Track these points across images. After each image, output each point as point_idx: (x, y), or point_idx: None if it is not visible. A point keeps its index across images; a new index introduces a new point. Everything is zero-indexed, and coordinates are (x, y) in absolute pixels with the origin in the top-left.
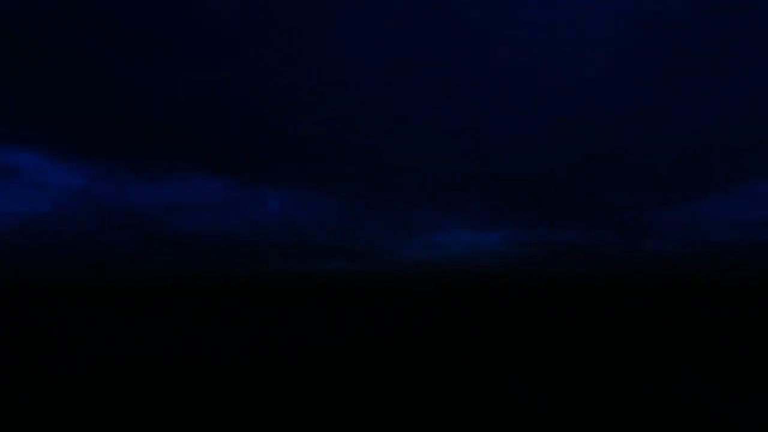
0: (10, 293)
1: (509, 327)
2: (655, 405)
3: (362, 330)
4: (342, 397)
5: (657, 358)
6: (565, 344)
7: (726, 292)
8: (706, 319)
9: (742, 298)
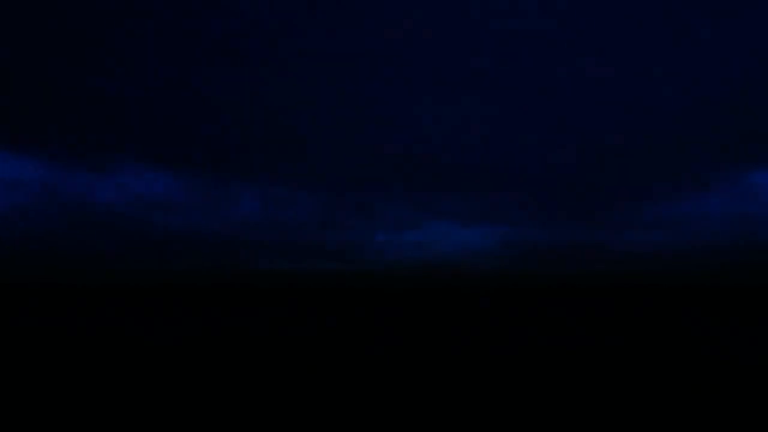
0: None
1: (501, 327)
2: (654, 407)
3: (346, 331)
4: (319, 398)
5: (651, 360)
6: (559, 346)
7: (722, 292)
8: (700, 319)
9: (737, 298)
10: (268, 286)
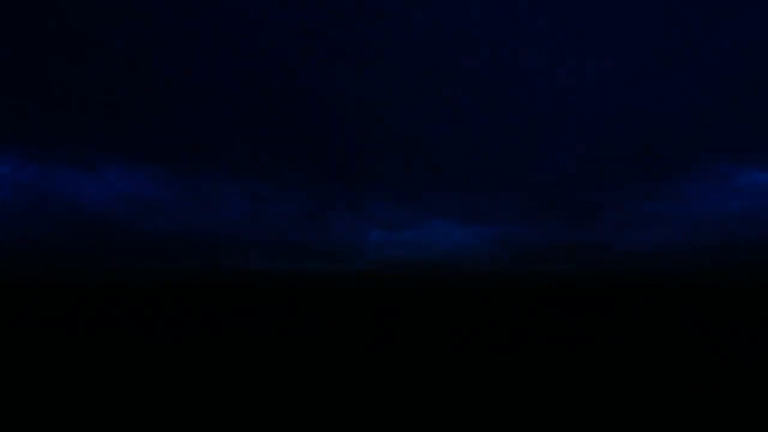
0: None
1: (499, 327)
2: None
3: (341, 331)
4: (313, 400)
5: (651, 360)
6: (557, 346)
7: (722, 292)
8: (700, 319)
9: (737, 297)
10: (260, 286)
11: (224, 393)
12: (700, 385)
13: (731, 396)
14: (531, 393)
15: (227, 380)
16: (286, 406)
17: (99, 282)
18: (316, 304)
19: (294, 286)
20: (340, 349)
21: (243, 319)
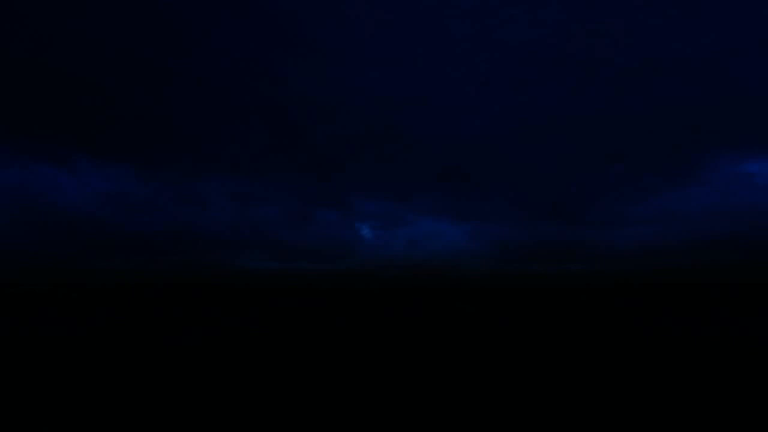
0: None
1: (492, 327)
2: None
3: (333, 331)
4: (301, 401)
5: (646, 359)
6: (551, 346)
7: (713, 288)
8: (691, 316)
9: (728, 293)
10: (252, 285)
11: (219, 393)
12: (698, 384)
13: (730, 395)
14: (528, 392)
15: (222, 381)
16: (281, 405)
17: (90, 281)
18: (311, 304)
19: (289, 286)
20: (337, 349)
21: (237, 319)
